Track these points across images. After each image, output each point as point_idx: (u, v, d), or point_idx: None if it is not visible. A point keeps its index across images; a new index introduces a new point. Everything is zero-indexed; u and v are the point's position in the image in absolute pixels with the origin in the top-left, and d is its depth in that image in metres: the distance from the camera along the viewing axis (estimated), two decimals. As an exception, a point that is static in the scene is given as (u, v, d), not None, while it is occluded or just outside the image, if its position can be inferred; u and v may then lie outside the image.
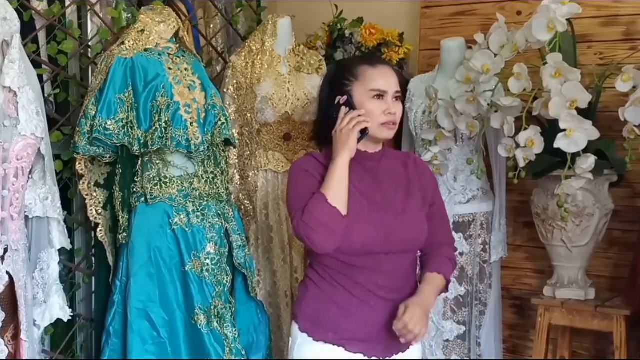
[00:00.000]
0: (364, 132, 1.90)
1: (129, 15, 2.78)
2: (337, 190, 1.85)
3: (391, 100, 1.93)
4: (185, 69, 2.50)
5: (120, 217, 2.44)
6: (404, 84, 3.03)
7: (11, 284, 1.98)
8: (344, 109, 1.91)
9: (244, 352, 2.48)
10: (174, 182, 2.43)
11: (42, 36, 2.61)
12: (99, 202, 2.54)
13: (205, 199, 2.47)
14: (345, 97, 1.92)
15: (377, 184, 1.96)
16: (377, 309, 1.92)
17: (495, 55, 2.46)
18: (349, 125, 1.87)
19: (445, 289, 2.07)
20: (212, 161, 2.52)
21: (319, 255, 1.93)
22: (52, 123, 2.43)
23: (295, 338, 1.98)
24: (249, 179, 2.90)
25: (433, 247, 2.05)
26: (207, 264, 2.42)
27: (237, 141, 2.76)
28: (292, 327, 2.02)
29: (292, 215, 1.91)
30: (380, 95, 1.92)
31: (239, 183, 2.89)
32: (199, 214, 2.44)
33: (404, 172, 2.02)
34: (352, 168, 1.89)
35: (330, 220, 1.83)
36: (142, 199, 2.41)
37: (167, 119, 2.36)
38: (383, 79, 1.93)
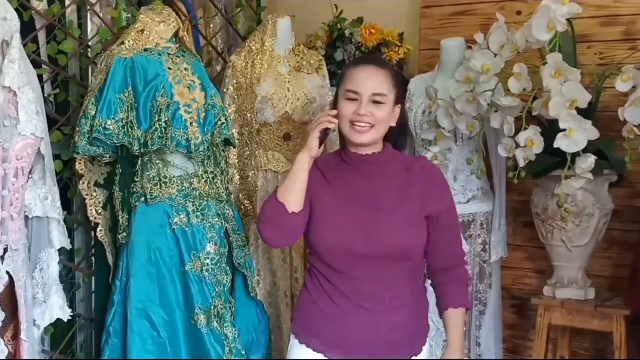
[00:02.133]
0: (326, 132, 1.93)
1: (129, 15, 2.78)
2: (289, 186, 1.89)
3: (366, 103, 1.88)
4: (185, 69, 2.50)
5: (120, 217, 2.44)
6: (404, 83, 3.05)
7: (11, 284, 1.98)
8: (327, 109, 2.00)
9: (244, 352, 2.47)
10: (174, 182, 2.43)
11: (42, 36, 2.61)
12: (99, 202, 2.54)
13: (205, 199, 2.47)
14: (333, 98, 1.98)
15: (367, 185, 1.94)
16: (354, 318, 1.88)
17: (495, 55, 2.46)
18: (312, 125, 1.93)
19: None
20: (212, 161, 2.51)
21: (311, 258, 1.96)
22: (52, 123, 2.43)
23: (291, 340, 2.00)
24: (249, 179, 2.90)
25: (444, 265, 1.97)
26: (207, 264, 2.42)
27: (237, 141, 2.76)
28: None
29: None
30: (352, 98, 1.90)
31: (239, 183, 2.89)
32: (199, 214, 2.44)
33: (405, 175, 1.96)
34: (341, 168, 1.95)
35: (275, 216, 1.87)
36: (142, 199, 2.41)
37: (167, 119, 2.36)
38: (359, 80, 1.90)
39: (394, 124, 1.97)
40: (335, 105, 1.96)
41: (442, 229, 1.96)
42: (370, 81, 1.90)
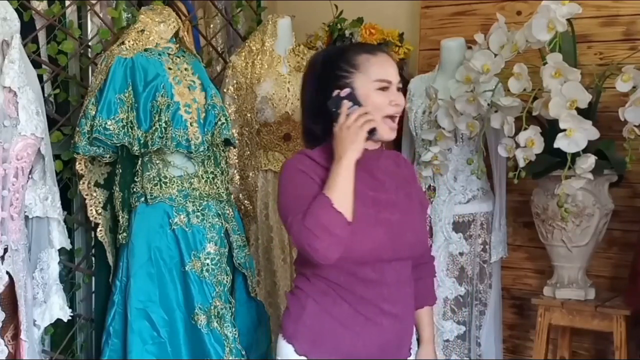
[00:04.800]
0: (372, 132, 1.74)
1: (129, 15, 2.79)
2: (342, 193, 1.67)
3: (396, 91, 1.78)
4: (185, 69, 2.50)
5: (120, 217, 2.44)
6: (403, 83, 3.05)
7: (11, 284, 1.98)
8: (346, 103, 1.73)
9: (244, 352, 2.47)
10: (174, 182, 2.43)
11: (42, 36, 2.61)
12: (99, 202, 2.54)
13: (205, 199, 2.47)
14: (347, 90, 1.75)
15: (379, 183, 1.81)
16: (385, 326, 1.77)
17: (495, 55, 2.46)
18: (357, 122, 1.70)
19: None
20: (212, 161, 2.52)
21: (317, 267, 1.74)
22: (52, 123, 2.43)
23: (291, 354, 1.78)
24: (249, 179, 2.90)
25: (419, 260, 1.96)
26: (207, 264, 2.42)
27: (237, 141, 2.76)
28: (280, 345, 1.81)
29: (288, 219, 1.72)
30: (385, 87, 1.76)
31: (239, 183, 2.89)
32: (199, 214, 2.44)
33: (398, 171, 1.90)
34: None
35: (336, 227, 1.65)
36: (142, 199, 2.41)
37: (167, 119, 2.36)
38: (388, 67, 1.78)
39: None
40: (355, 100, 1.74)
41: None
42: (395, 68, 1.79)
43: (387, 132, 1.78)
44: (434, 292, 2.06)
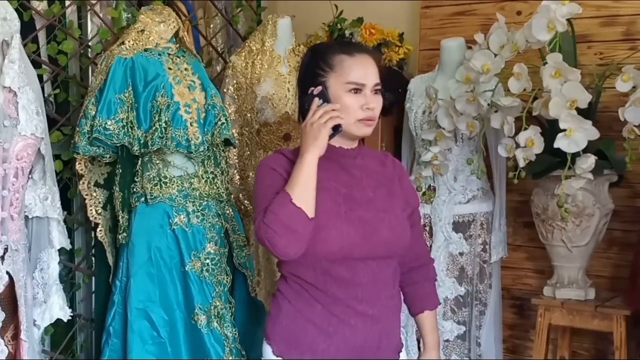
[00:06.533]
0: (336, 129, 1.73)
1: (129, 15, 2.78)
2: (303, 189, 1.67)
3: (370, 94, 1.75)
4: (185, 69, 2.50)
5: (120, 217, 2.44)
6: (400, 82, 3.05)
7: (11, 284, 1.98)
8: (316, 101, 1.73)
9: (243, 352, 2.47)
10: (174, 182, 2.43)
11: (42, 36, 2.61)
12: (99, 202, 2.53)
13: (205, 199, 2.47)
14: (319, 88, 1.74)
15: (355, 181, 1.81)
16: (359, 328, 1.76)
17: (495, 55, 2.46)
18: (321, 119, 1.70)
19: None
20: (212, 161, 2.52)
21: (293, 267, 1.77)
22: (52, 123, 2.43)
23: (270, 356, 1.80)
24: (249, 179, 2.90)
25: (416, 264, 1.94)
26: (207, 264, 2.42)
27: (237, 141, 2.76)
28: (263, 347, 1.83)
29: (255, 216, 1.76)
30: (357, 89, 1.74)
31: (239, 183, 2.89)
32: (199, 214, 2.44)
33: (383, 170, 1.88)
34: (326, 165, 1.75)
35: (295, 223, 1.65)
36: (142, 199, 2.41)
37: (167, 119, 2.36)
38: (361, 70, 1.75)
39: None
40: (325, 97, 1.74)
41: (414, 225, 1.91)
42: (372, 70, 1.76)
43: (359, 128, 1.76)
44: (435, 297, 2.01)
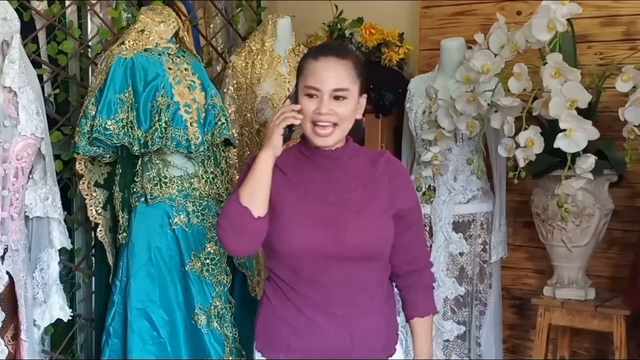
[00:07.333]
0: (289, 129, 1.76)
1: (129, 15, 2.79)
2: (252, 189, 1.72)
3: (326, 99, 1.73)
4: (185, 69, 2.50)
5: (120, 217, 2.45)
6: (400, 82, 3.05)
7: (11, 284, 1.98)
8: (287, 103, 1.79)
9: (243, 353, 2.48)
10: (174, 182, 2.43)
11: (42, 36, 2.61)
12: (99, 202, 2.54)
13: (205, 199, 2.47)
14: (292, 91, 1.81)
15: (331, 181, 1.80)
16: (326, 328, 1.74)
17: (495, 55, 2.46)
18: (276, 120, 1.74)
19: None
20: (212, 161, 2.52)
21: (271, 264, 1.81)
22: (52, 123, 2.44)
23: (255, 355, 1.84)
24: (249, 179, 2.89)
25: (411, 268, 1.87)
26: (207, 264, 2.42)
27: (237, 141, 2.76)
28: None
29: None
30: (311, 93, 1.74)
31: (239, 183, 2.89)
32: (199, 214, 2.44)
33: (370, 170, 1.83)
34: (303, 165, 1.79)
35: (240, 221, 1.71)
36: (142, 199, 2.41)
37: (167, 119, 2.36)
38: (319, 74, 1.73)
39: (359, 116, 1.82)
40: (296, 99, 1.78)
41: (409, 227, 1.85)
42: (331, 75, 1.73)
43: (313, 137, 1.77)
44: (428, 304, 1.91)
